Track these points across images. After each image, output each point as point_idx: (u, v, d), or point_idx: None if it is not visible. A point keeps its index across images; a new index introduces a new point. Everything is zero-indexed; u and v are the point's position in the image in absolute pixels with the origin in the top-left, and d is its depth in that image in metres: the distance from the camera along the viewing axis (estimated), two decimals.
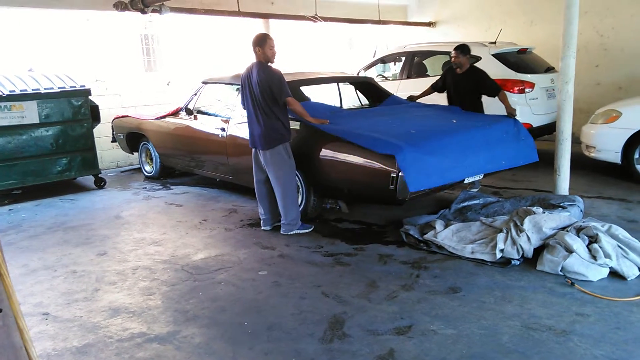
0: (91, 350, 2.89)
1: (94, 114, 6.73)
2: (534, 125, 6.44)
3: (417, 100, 6.02)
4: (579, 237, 3.65)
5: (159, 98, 8.54)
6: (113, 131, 7.65)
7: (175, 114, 6.54)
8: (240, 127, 5.41)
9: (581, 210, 4.53)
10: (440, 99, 6.00)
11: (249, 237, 4.68)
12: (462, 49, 5.51)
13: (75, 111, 6.47)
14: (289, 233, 4.63)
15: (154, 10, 6.61)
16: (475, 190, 5.57)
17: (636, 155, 5.70)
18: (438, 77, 6.01)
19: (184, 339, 2.97)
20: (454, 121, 4.99)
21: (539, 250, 3.75)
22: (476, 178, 4.66)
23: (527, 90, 6.59)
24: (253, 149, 4.64)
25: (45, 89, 6.21)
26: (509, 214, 4.34)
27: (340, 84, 6.37)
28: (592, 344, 2.69)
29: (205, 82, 6.26)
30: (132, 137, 7.34)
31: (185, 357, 2.78)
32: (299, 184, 4.84)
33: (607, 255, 3.47)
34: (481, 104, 5.65)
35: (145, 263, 4.16)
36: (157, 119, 6.78)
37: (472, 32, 9.61)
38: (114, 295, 3.60)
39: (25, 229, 5.21)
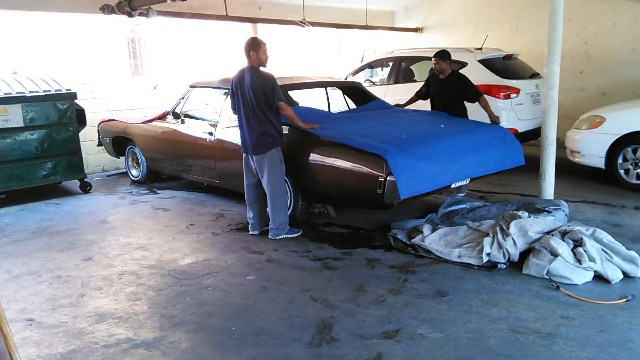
0: (76, 357, 2.85)
1: (80, 118, 6.67)
2: (519, 131, 6.52)
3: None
4: (564, 241, 3.70)
5: (146, 102, 8.48)
6: (99, 135, 7.59)
7: (162, 117, 6.51)
8: (228, 131, 5.40)
9: (566, 215, 4.59)
10: (425, 105, 6.05)
11: (237, 241, 4.66)
12: (442, 55, 5.58)
13: (60, 115, 6.41)
14: (277, 237, 4.63)
15: (141, 14, 6.58)
16: (462, 194, 5.61)
17: (619, 160, 5.78)
18: (423, 83, 6.08)
19: (171, 344, 2.94)
20: (442, 126, 5.03)
21: (524, 254, 3.79)
22: (464, 182, 4.70)
23: (512, 95, 6.67)
24: (244, 152, 4.63)
25: (30, 92, 6.14)
26: (495, 218, 4.38)
27: (328, 88, 6.39)
28: (577, 347, 2.72)
29: (192, 86, 6.24)
30: (119, 141, 7.28)
31: None
32: (288, 188, 4.84)
33: (591, 259, 3.51)
34: (465, 109, 5.72)
35: (132, 268, 4.13)
36: (143, 122, 6.73)
37: (458, 38, 9.71)
38: (100, 300, 3.56)
39: (9, 234, 5.13)
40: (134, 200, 6.32)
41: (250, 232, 4.81)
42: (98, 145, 7.74)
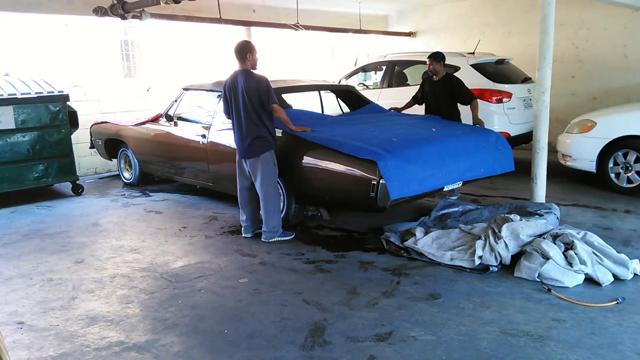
0: None
1: (72, 120, 6.64)
2: (511, 135, 6.56)
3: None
4: (555, 244, 3.72)
5: (139, 104, 8.46)
6: (91, 137, 7.56)
7: (155, 120, 6.49)
8: (221, 134, 5.40)
9: (557, 218, 4.62)
10: (421, 110, 6.09)
11: (230, 244, 4.65)
12: (435, 56, 5.68)
13: (52, 117, 6.38)
14: (270, 240, 4.62)
15: (134, 16, 6.56)
16: (454, 197, 5.65)
17: (610, 164, 5.83)
18: (418, 87, 6.13)
19: (163, 347, 2.93)
20: (434, 130, 5.05)
21: (516, 257, 3.81)
22: (455, 186, 4.72)
23: (504, 100, 6.72)
24: (237, 155, 4.63)
25: (22, 94, 6.11)
26: (488, 221, 4.40)
27: (321, 92, 6.40)
28: (568, 349, 2.74)
29: (186, 89, 6.23)
30: (111, 144, 7.25)
31: None
32: (281, 191, 4.84)
33: (582, 262, 3.54)
34: (458, 112, 5.76)
35: (124, 271, 4.11)
36: (136, 125, 6.71)
37: (451, 42, 9.76)
38: (92, 303, 3.54)
39: (0, 237, 5.09)
40: (127, 203, 6.30)
41: (243, 235, 4.81)
42: (90, 148, 7.70)
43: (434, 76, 5.73)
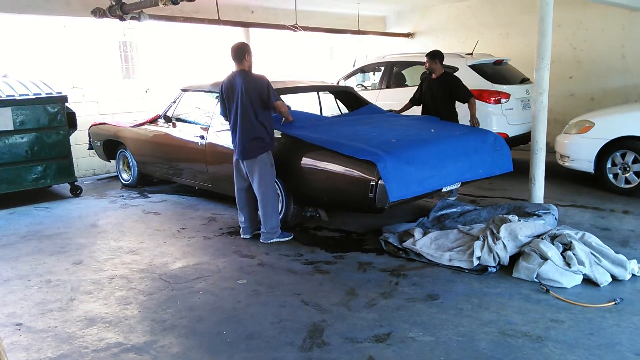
0: None
1: (71, 121, 6.63)
2: (509, 135, 6.57)
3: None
4: (553, 244, 3.73)
5: (137, 105, 8.46)
6: (90, 138, 7.55)
7: (153, 121, 6.49)
8: (219, 135, 5.40)
9: (555, 219, 4.63)
10: (419, 111, 6.09)
11: (228, 245, 4.65)
12: (432, 54, 5.71)
13: (51, 118, 6.38)
14: (269, 241, 4.62)
15: (132, 18, 6.56)
16: (452, 198, 5.65)
17: (608, 165, 5.84)
18: (416, 87, 6.13)
19: (161, 348, 2.93)
20: (432, 131, 5.05)
21: (514, 258, 3.81)
22: (454, 187, 4.72)
23: (503, 100, 6.73)
24: (235, 156, 4.63)
25: (20, 95, 6.11)
26: (486, 222, 4.41)
27: (320, 93, 6.41)
28: (566, 350, 2.74)
29: (184, 90, 6.23)
30: (110, 145, 7.25)
31: None
32: (279, 192, 4.84)
33: (580, 263, 3.54)
34: (455, 111, 5.78)
35: (122, 272, 4.11)
36: (135, 126, 6.71)
37: (449, 43, 9.77)
38: (90, 304, 3.54)
39: None
40: (125, 204, 6.29)
41: (241, 236, 4.81)
42: (89, 149, 7.69)
43: (432, 74, 5.75)
